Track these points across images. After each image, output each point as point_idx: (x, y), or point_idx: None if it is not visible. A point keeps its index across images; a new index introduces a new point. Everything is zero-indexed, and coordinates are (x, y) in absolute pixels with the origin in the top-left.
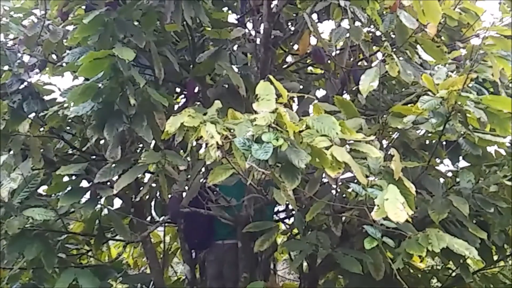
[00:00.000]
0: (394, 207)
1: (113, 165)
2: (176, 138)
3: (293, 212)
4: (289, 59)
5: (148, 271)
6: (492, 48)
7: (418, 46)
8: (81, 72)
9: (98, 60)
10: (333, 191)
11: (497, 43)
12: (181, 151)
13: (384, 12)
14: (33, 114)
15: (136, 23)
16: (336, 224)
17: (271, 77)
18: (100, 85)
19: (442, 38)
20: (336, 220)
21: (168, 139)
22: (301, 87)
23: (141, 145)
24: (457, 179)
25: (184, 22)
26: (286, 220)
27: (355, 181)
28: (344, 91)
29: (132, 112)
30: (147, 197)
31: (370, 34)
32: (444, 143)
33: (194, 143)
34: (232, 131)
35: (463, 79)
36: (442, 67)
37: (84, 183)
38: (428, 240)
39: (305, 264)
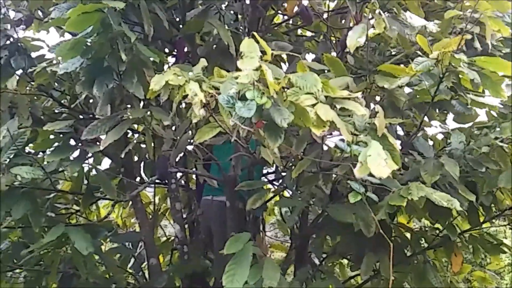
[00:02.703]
0: (376, 163)
1: (100, 122)
2: (162, 97)
3: (282, 174)
4: (280, 20)
5: (137, 231)
6: (486, 8)
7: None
8: (69, 26)
9: (86, 14)
10: (320, 149)
11: (492, 3)
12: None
13: None
14: (21, 70)
15: None
16: (326, 183)
17: (255, 34)
18: (89, 40)
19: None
20: (325, 178)
21: (158, 99)
22: (292, 48)
23: (129, 106)
24: (448, 141)
25: None
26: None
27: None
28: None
29: (122, 69)
30: (136, 158)
31: None
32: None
33: (183, 105)
34: (218, 89)
35: (457, 40)
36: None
37: (72, 143)
38: (408, 191)
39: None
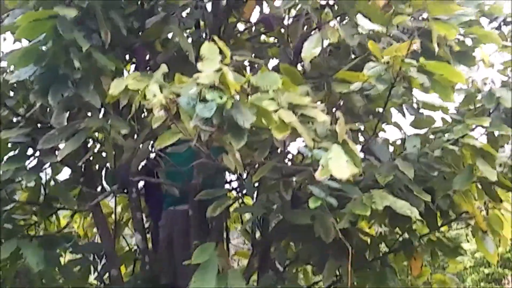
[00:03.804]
0: (337, 164)
1: (58, 131)
2: (121, 102)
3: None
4: (242, 28)
5: (98, 241)
6: (433, 12)
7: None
8: (20, 33)
9: (38, 21)
10: (282, 155)
11: (438, 7)
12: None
13: None
14: None
15: None
16: (287, 188)
17: (215, 37)
18: (43, 48)
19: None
20: (286, 184)
21: (118, 107)
22: (253, 55)
23: (89, 114)
24: (405, 146)
25: None
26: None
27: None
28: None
29: (78, 77)
30: (97, 167)
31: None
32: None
33: (144, 113)
34: (179, 96)
35: (407, 45)
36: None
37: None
38: (372, 199)
39: (258, 234)
